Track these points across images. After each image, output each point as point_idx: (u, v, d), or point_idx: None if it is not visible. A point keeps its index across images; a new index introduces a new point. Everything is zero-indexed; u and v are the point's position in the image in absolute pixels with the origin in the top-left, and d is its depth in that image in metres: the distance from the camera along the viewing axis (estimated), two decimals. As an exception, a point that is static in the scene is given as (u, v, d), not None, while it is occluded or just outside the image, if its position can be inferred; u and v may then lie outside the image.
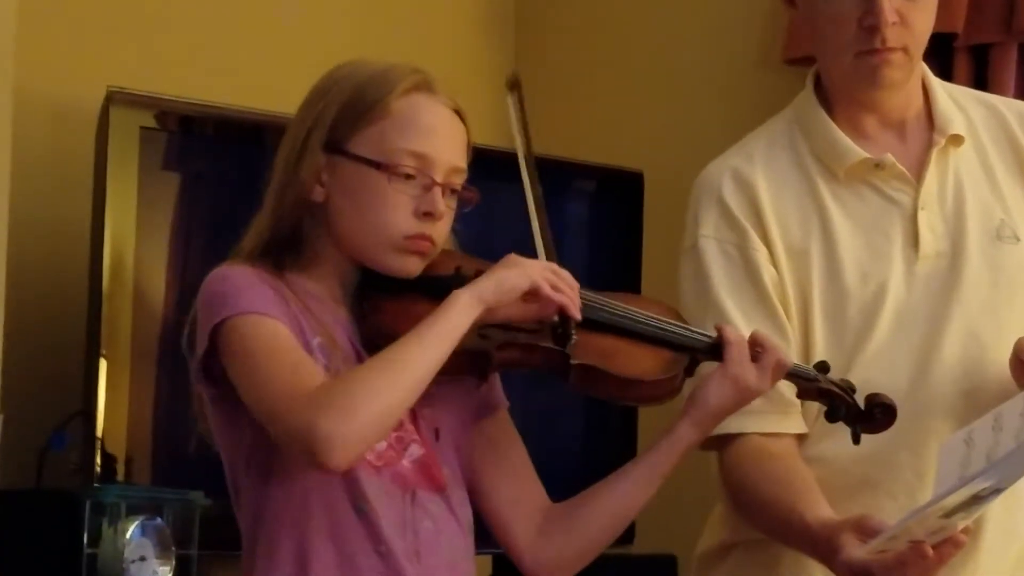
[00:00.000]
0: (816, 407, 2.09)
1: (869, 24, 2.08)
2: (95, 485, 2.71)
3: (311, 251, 1.91)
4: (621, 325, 1.94)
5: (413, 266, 1.89)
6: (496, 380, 2.00)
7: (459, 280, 1.89)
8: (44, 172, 2.98)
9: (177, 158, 2.93)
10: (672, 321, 1.98)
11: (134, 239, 2.80)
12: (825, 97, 2.21)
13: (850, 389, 1.99)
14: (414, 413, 1.89)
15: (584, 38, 3.76)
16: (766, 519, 2.06)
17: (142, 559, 2.55)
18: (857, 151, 2.16)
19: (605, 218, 3.41)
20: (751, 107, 2.98)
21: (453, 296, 1.80)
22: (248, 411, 1.80)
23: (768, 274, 2.14)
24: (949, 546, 1.81)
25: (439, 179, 1.89)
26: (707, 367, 1.98)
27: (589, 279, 3.40)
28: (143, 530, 2.56)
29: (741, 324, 2.10)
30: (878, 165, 2.16)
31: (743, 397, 1.95)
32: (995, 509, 2.05)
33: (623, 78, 3.67)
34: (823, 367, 2.00)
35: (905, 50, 2.11)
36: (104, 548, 2.56)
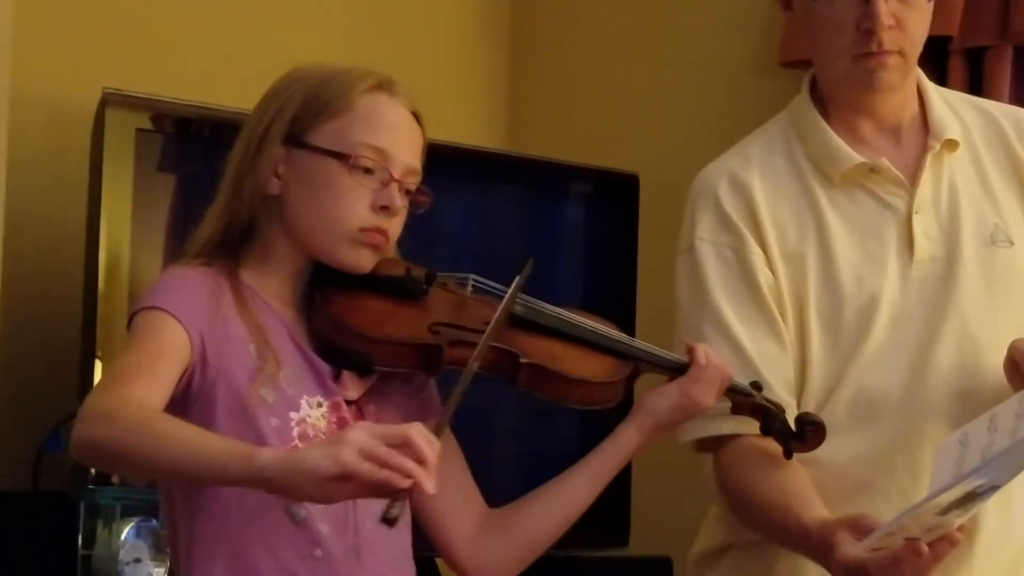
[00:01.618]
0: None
1: (865, 27, 2.09)
2: (90, 487, 2.71)
3: (264, 245, 1.92)
4: (568, 331, 1.99)
5: (366, 259, 1.91)
6: (433, 389, 2.01)
7: (411, 280, 1.92)
8: (40, 174, 2.97)
9: (172, 160, 2.93)
10: (619, 334, 2.03)
11: (129, 241, 2.80)
12: (821, 101, 2.22)
13: (781, 409, 2.05)
14: (360, 409, 1.90)
15: (580, 40, 3.76)
16: (761, 519, 2.06)
17: (137, 561, 2.55)
18: (852, 155, 2.16)
19: (601, 221, 3.41)
20: (747, 110, 2.98)
21: (260, 452, 1.63)
22: (182, 413, 1.79)
23: (764, 277, 2.14)
24: (944, 544, 1.81)
25: (397, 175, 1.90)
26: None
27: (584, 283, 3.42)
28: (138, 532, 2.56)
29: (737, 327, 2.11)
30: (873, 169, 2.16)
31: (692, 412, 2.02)
32: (989, 512, 2.06)
33: (619, 80, 3.67)
34: (757, 386, 2.06)
35: (901, 53, 2.12)
36: (99, 550, 2.56)
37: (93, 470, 2.73)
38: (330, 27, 3.47)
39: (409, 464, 1.57)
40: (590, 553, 3.02)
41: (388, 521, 1.59)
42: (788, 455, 2.04)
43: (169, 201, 2.91)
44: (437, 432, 1.65)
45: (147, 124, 2.85)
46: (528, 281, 1.94)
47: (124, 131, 2.80)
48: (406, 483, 1.57)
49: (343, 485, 1.58)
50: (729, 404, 2.06)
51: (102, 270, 2.77)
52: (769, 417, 2.05)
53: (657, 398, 2.01)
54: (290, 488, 1.60)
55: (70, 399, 2.86)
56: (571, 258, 3.37)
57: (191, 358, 1.81)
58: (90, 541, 2.57)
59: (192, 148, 2.96)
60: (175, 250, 2.87)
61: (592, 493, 2.01)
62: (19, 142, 2.76)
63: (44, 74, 3.01)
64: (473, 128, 3.59)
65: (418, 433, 1.59)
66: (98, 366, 2.75)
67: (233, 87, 3.10)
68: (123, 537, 2.55)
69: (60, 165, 3.01)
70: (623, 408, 2.06)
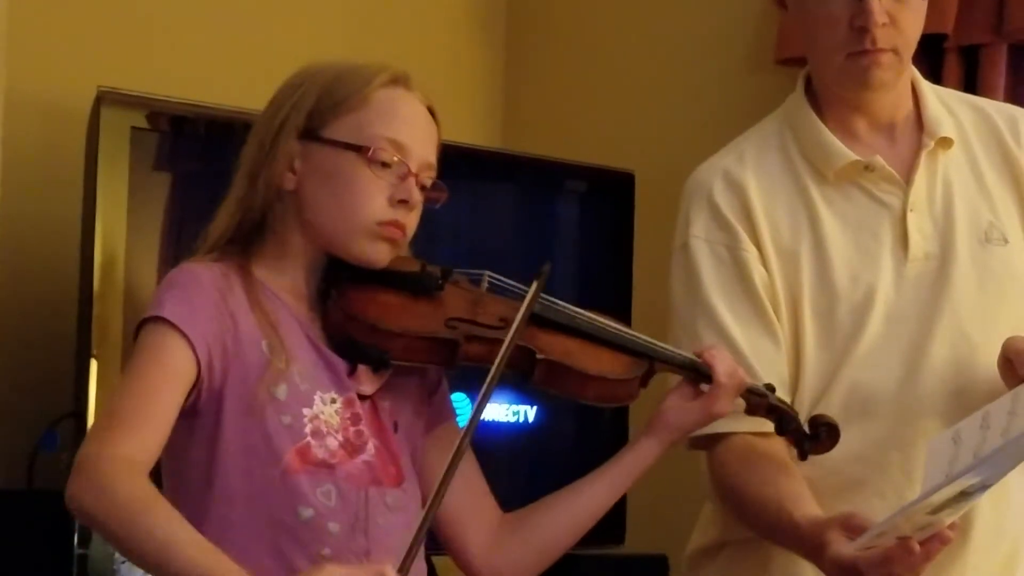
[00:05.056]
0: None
1: (859, 25, 2.09)
2: (86, 485, 2.71)
3: (277, 240, 1.91)
4: (583, 328, 1.99)
5: (383, 254, 1.90)
6: (446, 392, 2.02)
7: (427, 276, 1.91)
8: (34, 172, 2.98)
9: (168, 158, 2.93)
10: (635, 333, 2.03)
11: (125, 239, 2.80)
12: (816, 99, 2.22)
13: (795, 410, 2.06)
14: (374, 405, 1.90)
15: (575, 38, 3.76)
16: (755, 517, 2.06)
17: (133, 559, 2.55)
18: (846, 153, 2.16)
19: (596, 219, 3.41)
20: (743, 108, 2.98)
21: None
22: (188, 420, 1.80)
23: (758, 275, 2.14)
24: (936, 542, 1.81)
25: (414, 169, 1.90)
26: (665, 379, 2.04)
27: (580, 280, 3.42)
28: (134, 530, 2.55)
29: (731, 324, 2.11)
30: (867, 167, 2.16)
31: (710, 421, 2.03)
32: (983, 508, 2.06)
33: (614, 78, 3.67)
34: (771, 387, 2.06)
35: (895, 51, 2.12)
36: (95, 548, 2.56)
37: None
38: (326, 26, 3.47)
39: None
40: (586, 551, 3.02)
41: None
42: (803, 456, 2.05)
43: (164, 199, 2.91)
44: (404, 568, 1.67)
45: (142, 122, 2.85)
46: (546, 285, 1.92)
47: (119, 129, 2.80)
48: None
49: None
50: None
51: (97, 269, 2.77)
52: (784, 418, 2.05)
53: (679, 415, 2.01)
54: None
55: (65, 398, 2.86)
56: (567, 256, 3.37)
57: (198, 375, 1.79)
58: (86, 540, 2.57)
59: (187, 146, 2.97)
60: (171, 248, 2.88)
61: (609, 502, 2.01)
62: (14, 141, 2.77)
63: (39, 72, 3.01)
64: (469, 127, 3.60)
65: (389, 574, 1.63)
66: (93, 365, 2.75)
67: (228, 85, 3.11)
68: (119, 536, 2.55)
69: (55, 164, 3.01)
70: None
